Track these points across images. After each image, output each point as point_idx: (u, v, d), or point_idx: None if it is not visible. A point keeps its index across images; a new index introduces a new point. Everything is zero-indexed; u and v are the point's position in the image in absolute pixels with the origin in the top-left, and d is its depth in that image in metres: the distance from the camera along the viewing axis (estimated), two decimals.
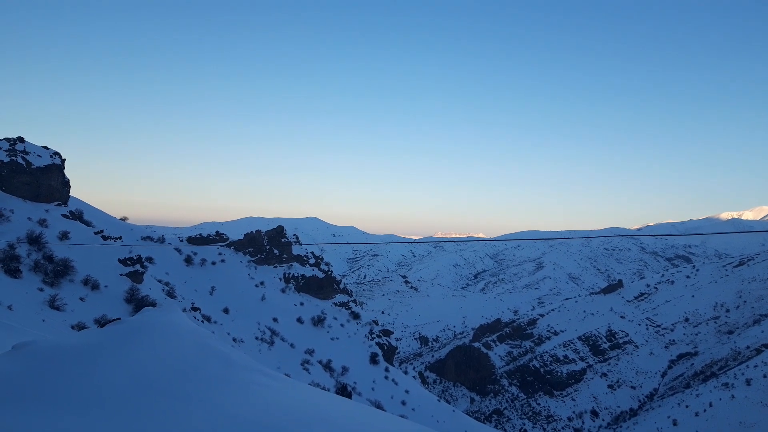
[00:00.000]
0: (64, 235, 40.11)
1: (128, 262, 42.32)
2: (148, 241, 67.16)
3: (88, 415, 5.60)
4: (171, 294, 47.95)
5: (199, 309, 49.85)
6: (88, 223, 48.09)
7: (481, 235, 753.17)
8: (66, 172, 48.61)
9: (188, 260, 69.41)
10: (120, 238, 49.22)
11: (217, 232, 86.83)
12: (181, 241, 79.19)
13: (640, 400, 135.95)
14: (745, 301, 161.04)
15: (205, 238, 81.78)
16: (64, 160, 48.46)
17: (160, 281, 50.49)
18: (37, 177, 44.78)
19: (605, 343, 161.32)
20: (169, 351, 7.74)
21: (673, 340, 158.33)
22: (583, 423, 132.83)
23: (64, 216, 44.42)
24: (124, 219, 71.55)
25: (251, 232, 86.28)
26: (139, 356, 7.32)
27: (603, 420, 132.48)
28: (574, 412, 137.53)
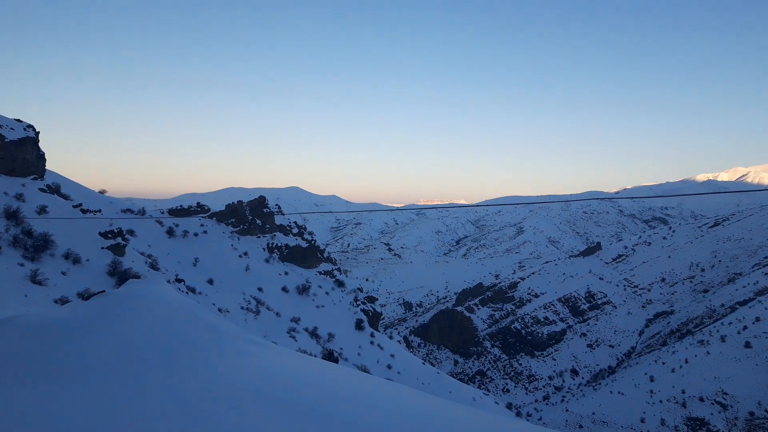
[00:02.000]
0: (42, 210, 39.32)
1: (109, 235, 41.72)
2: (129, 213, 66.15)
3: (80, 387, 5.59)
4: (154, 266, 47.55)
5: (183, 281, 49.61)
6: (66, 197, 47.14)
7: (462, 202, 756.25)
8: (41, 145, 47.45)
9: (170, 232, 68.71)
10: (99, 211, 48.39)
11: (198, 203, 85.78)
12: (162, 213, 78.20)
13: (618, 358, 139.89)
14: (719, 261, 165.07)
15: (186, 210, 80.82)
16: (38, 132, 47.20)
17: (142, 254, 49.97)
18: (11, 151, 43.57)
19: (584, 304, 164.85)
20: (156, 322, 7.71)
21: (650, 300, 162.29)
22: (563, 381, 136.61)
23: (41, 190, 43.44)
24: (102, 192, 70.22)
25: (233, 202, 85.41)
26: (127, 327, 7.29)
27: (582, 378, 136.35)
28: (554, 371, 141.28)
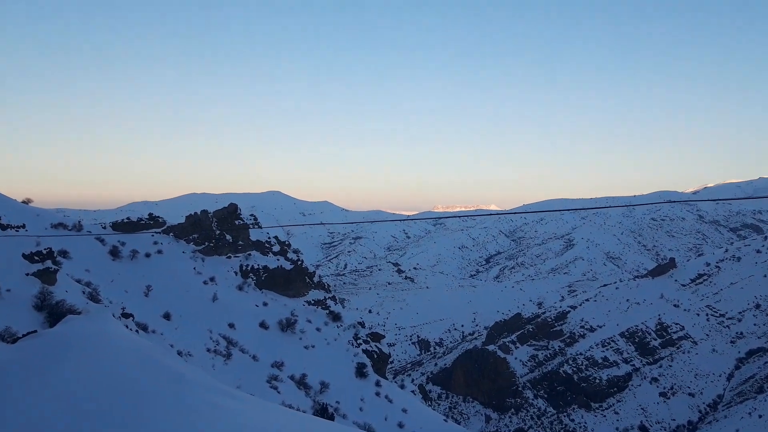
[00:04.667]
0: None
1: (36, 258, 41.99)
2: (61, 229, 66.53)
3: None
4: (94, 297, 47.76)
5: (131, 315, 49.68)
6: None
7: (493, 208, 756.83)
8: None
9: (114, 252, 68.94)
10: (23, 226, 48.78)
11: (150, 214, 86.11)
12: (104, 227, 78.55)
13: (700, 411, 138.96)
14: None
15: (136, 223, 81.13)
16: None
17: (78, 281, 50.19)
18: None
19: (655, 339, 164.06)
20: (106, 369, 7.83)
21: (742, 333, 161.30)
22: None
23: None
24: (27, 201, 70.67)
25: (195, 213, 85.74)
26: (68, 377, 7.41)
27: None
28: (617, 429, 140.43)
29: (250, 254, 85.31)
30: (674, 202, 18.75)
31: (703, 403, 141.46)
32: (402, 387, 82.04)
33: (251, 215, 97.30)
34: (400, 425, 57.63)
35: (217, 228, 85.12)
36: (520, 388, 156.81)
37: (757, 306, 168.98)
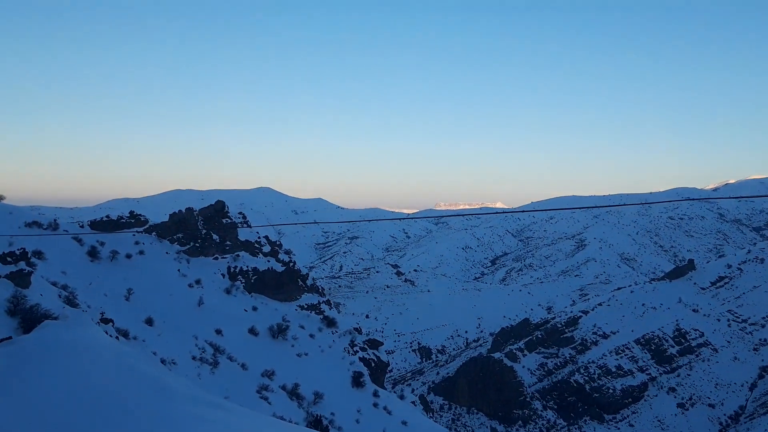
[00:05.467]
0: None
1: (8, 259, 41.92)
2: (35, 228, 66.50)
3: None
4: (71, 301, 47.61)
5: (111, 321, 49.64)
6: None
7: (499, 206, 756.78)
8: None
9: (93, 253, 68.87)
10: None
11: (131, 212, 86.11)
12: (82, 226, 78.47)
13: (721, 423, 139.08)
14: None
15: (116, 222, 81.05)
16: None
17: (54, 284, 50.10)
18: None
19: (672, 346, 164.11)
20: (85, 378, 7.81)
21: (765, 340, 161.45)
22: None
23: None
24: None
25: (180, 211, 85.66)
26: (45, 387, 7.39)
27: None
28: None
29: (238, 255, 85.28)
30: (693, 199, 18.89)
31: (724, 414, 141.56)
32: (401, 397, 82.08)
33: (240, 213, 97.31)
34: None
35: (203, 227, 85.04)
36: (527, 399, 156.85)
37: None
